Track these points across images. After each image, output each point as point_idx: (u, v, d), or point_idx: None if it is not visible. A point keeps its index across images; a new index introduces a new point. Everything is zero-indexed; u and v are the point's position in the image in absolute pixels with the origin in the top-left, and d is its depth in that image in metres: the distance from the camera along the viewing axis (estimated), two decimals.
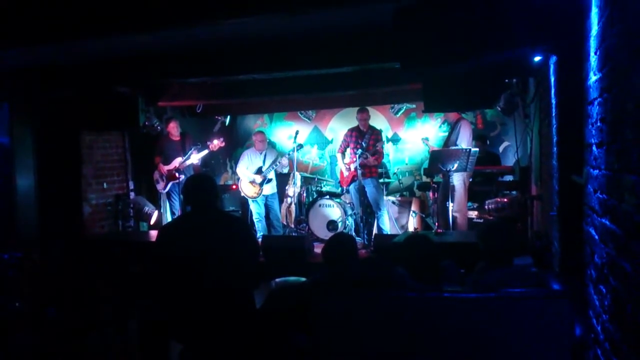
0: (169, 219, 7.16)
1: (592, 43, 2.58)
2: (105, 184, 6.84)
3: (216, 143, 6.87)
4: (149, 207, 7.10)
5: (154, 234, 6.25)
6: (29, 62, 5.25)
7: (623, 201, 1.96)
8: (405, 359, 2.63)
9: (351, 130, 6.88)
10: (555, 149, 3.67)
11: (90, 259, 5.71)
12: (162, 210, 7.40)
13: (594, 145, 2.54)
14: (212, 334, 3.00)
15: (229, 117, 8.57)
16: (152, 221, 7.06)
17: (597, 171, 2.46)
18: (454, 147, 6.03)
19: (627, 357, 1.88)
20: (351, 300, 2.77)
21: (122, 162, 7.18)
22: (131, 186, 7.27)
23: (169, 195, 7.05)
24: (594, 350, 2.48)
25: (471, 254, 3.43)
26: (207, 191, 3.19)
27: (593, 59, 2.56)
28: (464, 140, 6.10)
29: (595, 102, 2.50)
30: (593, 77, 2.56)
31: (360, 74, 5.59)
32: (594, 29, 2.52)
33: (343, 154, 6.90)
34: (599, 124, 2.42)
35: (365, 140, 6.59)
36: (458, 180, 6.05)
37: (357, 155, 6.42)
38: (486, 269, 3.08)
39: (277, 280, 3.93)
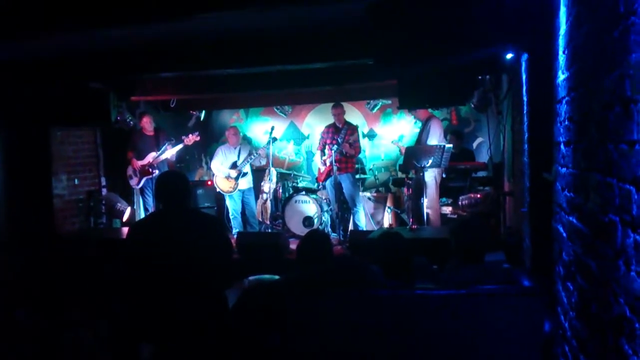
0: (143, 215, 7.05)
1: (561, 42, 2.60)
2: (76, 180, 6.71)
3: (191, 137, 6.78)
4: (121, 204, 6.99)
5: (126, 231, 6.15)
6: None
7: (589, 200, 1.98)
8: (379, 358, 2.63)
9: (328, 127, 6.87)
10: (526, 145, 3.70)
11: (61, 257, 5.59)
12: (135, 207, 7.29)
13: (562, 144, 2.56)
14: (183, 334, 2.97)
15: (204, 112, 8.47)
16: (125, 218, 6.95)
17: (565, 169, 2.49)
18: (427, 144, 6.05)
19: (593, 355, 1.91)
20: (325, 300, 2.75)
21: (94, 158, 7.05)
22: (103, 182, 7.15)
23: (142, 191, 6.93)
24: (562, 346, 2.52)
25: (444, 250, 3.45)
26: (178, 188, 3.12)
27: (561, 58, 2.58)
28: (434, 139, 6.11)
29: (564, 101, 2.52)
30: (561, 76, 2.58)
31: (335, 69, 5.57)
32: (562, 28, 2.54)
33: (322, 151, 6.87)
34: (566, 122, 2.44)
35: (341, 136, 6.58)
36: (429, 176, 6.06)
37: (333, 151, 6.42)
38: (458, 266, 3.11)
39: (250, 278, 3.91)
